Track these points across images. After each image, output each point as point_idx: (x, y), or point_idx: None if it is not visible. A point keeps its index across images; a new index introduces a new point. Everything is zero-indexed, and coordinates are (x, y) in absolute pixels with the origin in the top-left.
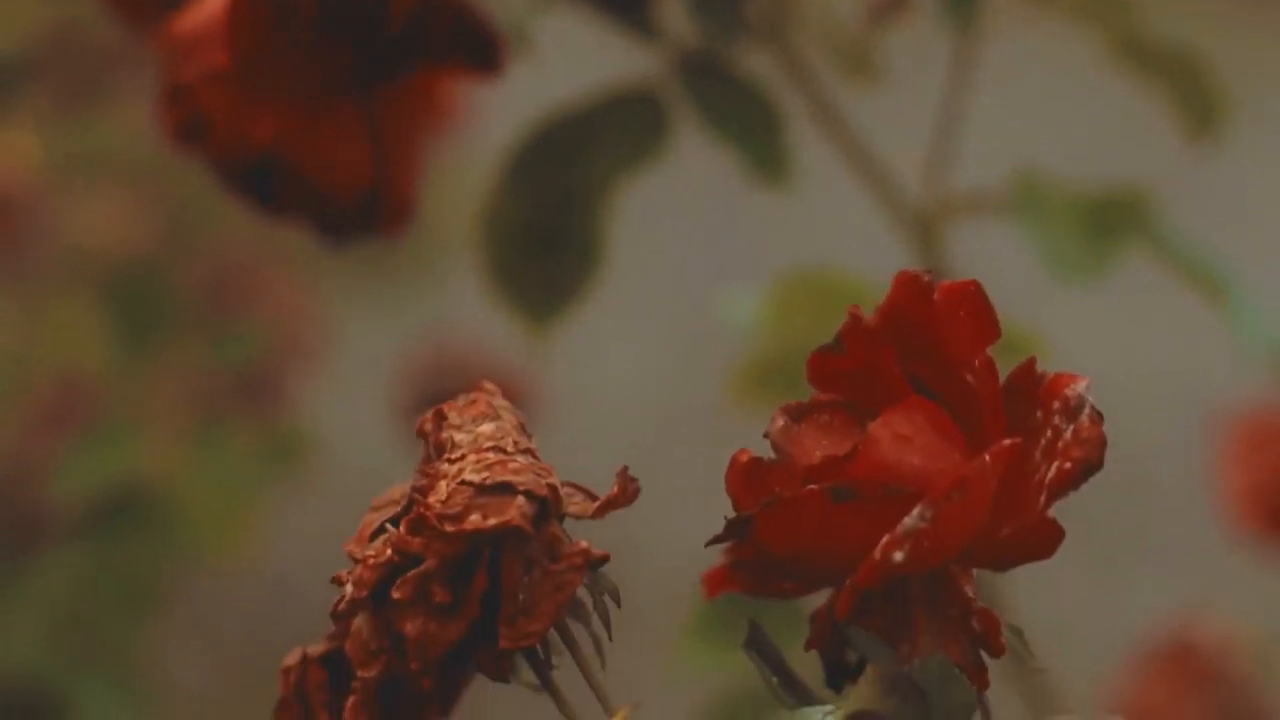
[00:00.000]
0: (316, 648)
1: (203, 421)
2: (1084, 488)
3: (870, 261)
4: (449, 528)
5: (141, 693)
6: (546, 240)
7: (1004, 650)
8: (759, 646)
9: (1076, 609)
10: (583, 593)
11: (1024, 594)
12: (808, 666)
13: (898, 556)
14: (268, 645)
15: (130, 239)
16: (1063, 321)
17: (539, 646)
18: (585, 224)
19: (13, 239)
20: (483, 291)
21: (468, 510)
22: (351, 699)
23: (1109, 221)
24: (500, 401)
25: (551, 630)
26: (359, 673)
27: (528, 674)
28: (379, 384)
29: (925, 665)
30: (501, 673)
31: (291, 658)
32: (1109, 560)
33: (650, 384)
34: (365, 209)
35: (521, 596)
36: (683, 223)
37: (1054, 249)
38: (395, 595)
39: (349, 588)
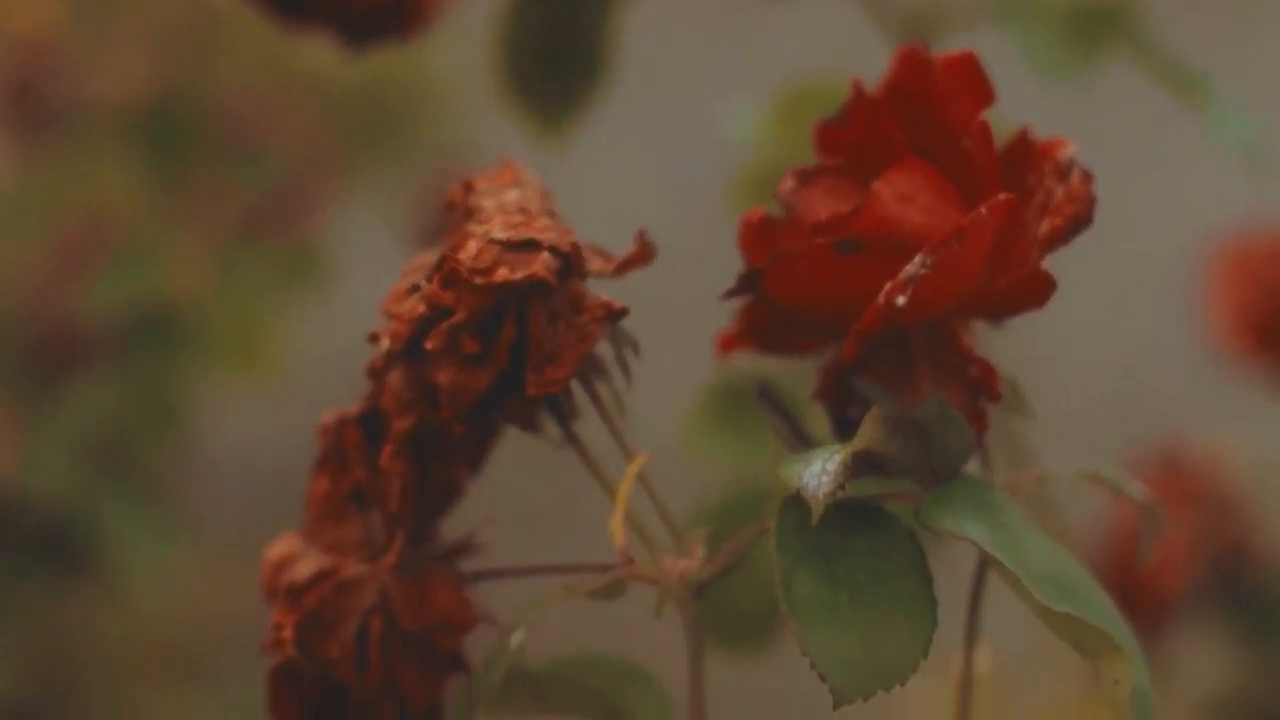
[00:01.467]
0: (353, 408)
1: (226, 245)
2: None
3: (862, 74)
4: (478, 280)
5: (167, 514)
6: (557, 53)
7: (1001, 396)
8: (769, 399)
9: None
10: (604, 348)
11: None
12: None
13: (900, 301)
14: (291, 468)
15: (149, 78)
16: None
17: (563, 397)
18: (593, 35)
19: (38, 85)
20: (494, 120)
21: (496, 264)
22: (387, 448)
23: (1093, 27)
24: (525, 173)
25: (575, 384)
26: (394, 424)
27: (551, 431)
28: (393, 213)
29: (926, 407)
30: (528, 422)
31: (329, 418)
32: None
33: (653, 199)
34: (386, 11)
35: (547, 346)
36: (683, 40)
37: (1039, 52)
38: (428, 346)
39: (384, 342)
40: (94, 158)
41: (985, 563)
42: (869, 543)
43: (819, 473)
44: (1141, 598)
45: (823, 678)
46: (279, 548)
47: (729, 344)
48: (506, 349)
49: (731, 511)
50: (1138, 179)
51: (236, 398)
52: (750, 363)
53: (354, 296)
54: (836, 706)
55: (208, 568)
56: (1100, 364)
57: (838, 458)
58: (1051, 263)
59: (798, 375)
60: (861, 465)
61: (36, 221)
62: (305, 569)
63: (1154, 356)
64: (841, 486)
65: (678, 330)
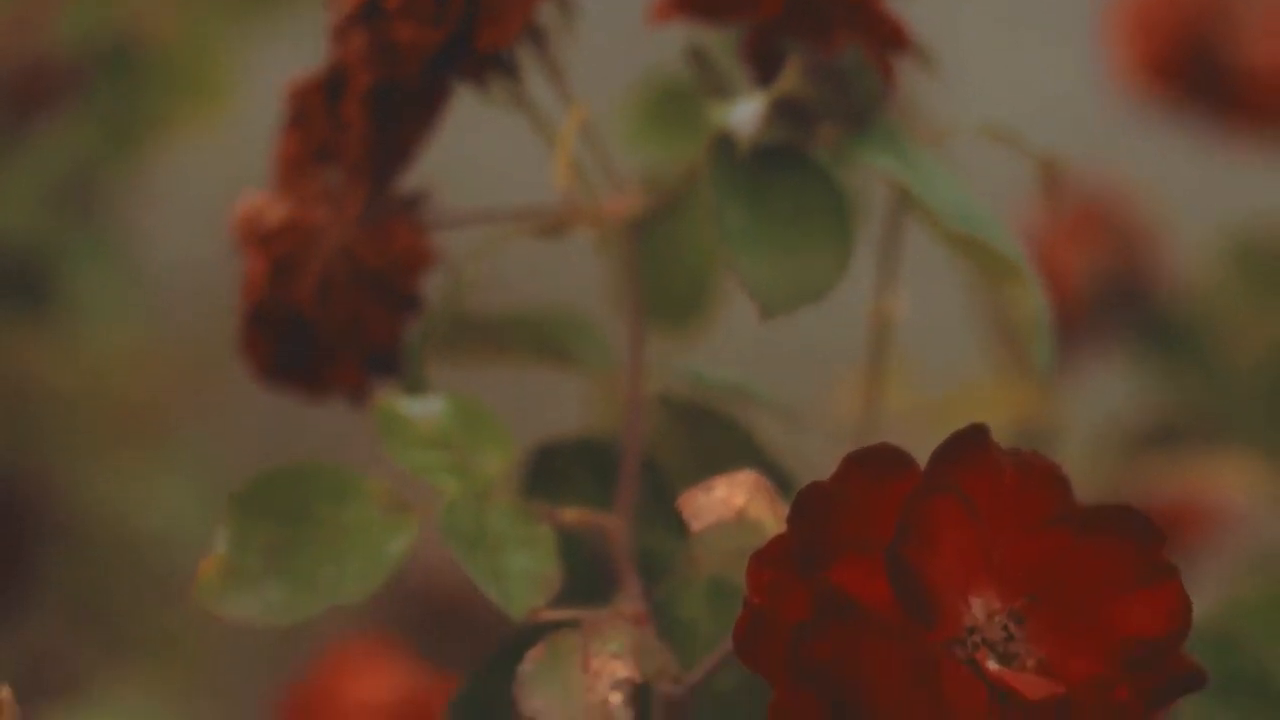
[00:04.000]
0: (317, 71)
1: None
2: None
3: None
4: None
5: (129, 262)
6: None
7: (909, 45)
8: (700, 60)
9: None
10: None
11: None
12: None
13: None
14: None
15: None
16: None
17: (510, 54)
18: None
19: None
20: None
21: None
22: (349, 103)
23: None
24: None
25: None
26: (355, 81)
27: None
28: None
29: (843, 55)
30: (478, 78)
31: (294, 82)
32: None
33: None
34: None
35: (495, 6)
36: None
37: None
38: (388, 5)
39: (345, 4)
40: None
41: (899, 206)
42: (792, 180)
43: (745, 114)
44: None
45: (752, 296)
46: (248, 202)
47: (662, 13)
48: (459, 8)
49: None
50: None
51: (198, 148)
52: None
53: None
54: (763, 320)
55: (166, 330)
56: (1006, 99)
57: (762, 99)
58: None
59: (727, 50)
60: (784, 111)
61: None
62: (274, 218)
63: (1060, 91)
64: (766, 125)
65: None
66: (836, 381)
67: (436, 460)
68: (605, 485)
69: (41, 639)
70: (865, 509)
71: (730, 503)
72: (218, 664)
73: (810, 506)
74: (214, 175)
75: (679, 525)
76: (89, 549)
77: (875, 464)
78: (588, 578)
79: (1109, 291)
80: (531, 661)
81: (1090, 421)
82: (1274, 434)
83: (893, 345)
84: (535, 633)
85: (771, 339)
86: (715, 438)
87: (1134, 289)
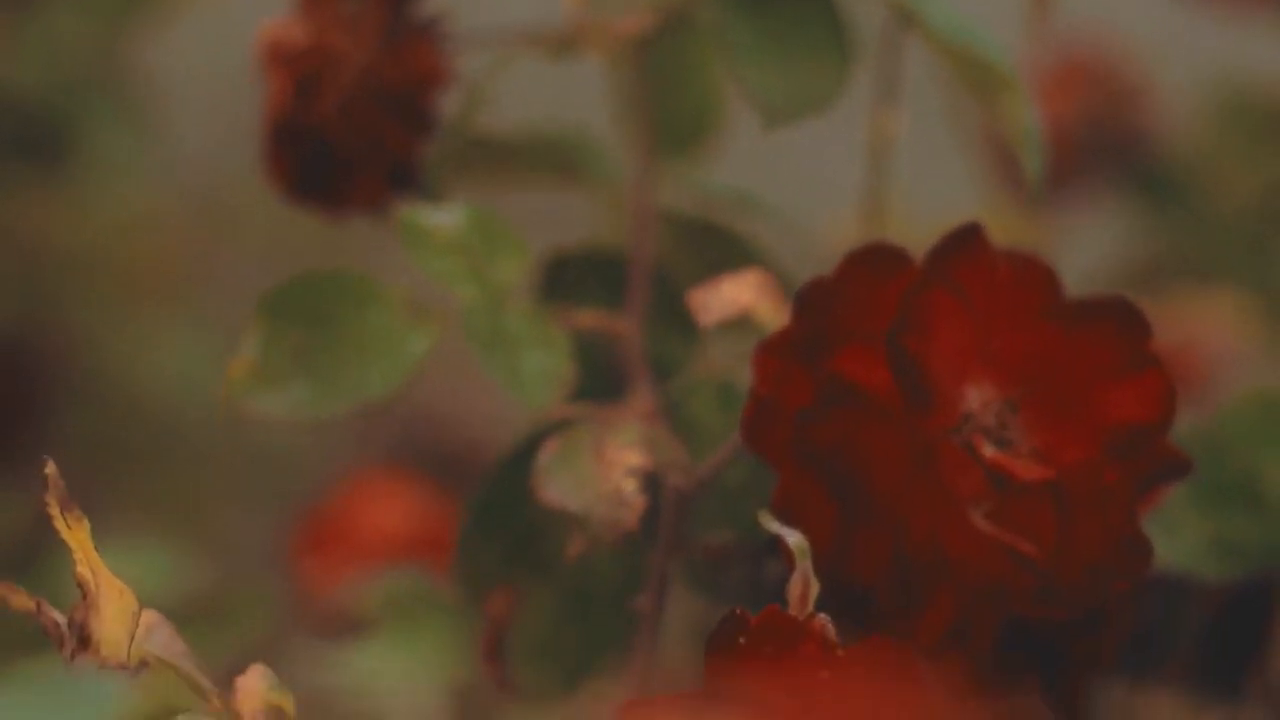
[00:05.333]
0: None
1: None
2: None
3: None
4: None
5: (143, 122)
6: None
7: None
8: None
9: None
10: None
11: None
12: None
13: None
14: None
15: None
16: None
17: None
18: None
19: None
20: None
21: None
22: None
23: None
24: None
25: None
26: None
27: None
28: None
29: None
30: None
31: None
32: None
33: None
34: None
35: None
36: None
37: None
38: None
39: None
40: None
41: (897, 27)
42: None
43: None
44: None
45: (756, 107)
46: (273, 27)
47: None
48: None
49: None
50: None
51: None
52: None
53: None
54: (766, 129)
55: (180, 190)
56: None
57: None
58: None
59: None
60: None
61: None
62: (298, 39)
63: None
64: None
65: None
66: (835, 210)
67: (455, 267)
68: (616, 295)
69: None
70: (866, 302)
71: (737, 300)
72: (226, 519)
73: (813, 299)
74: (227, 34)
75: (687, 334)
76: (100, 406)
77: (875, 260)
78: (601, 386)
79: (1098, 142)
80: (548, 453)
81: (1079, 266)
82: (1261, 278)
83: (890, 163)
84: (550, 431)
85: (771, 177)
86: (721, 252)
87: (1122, 139)
